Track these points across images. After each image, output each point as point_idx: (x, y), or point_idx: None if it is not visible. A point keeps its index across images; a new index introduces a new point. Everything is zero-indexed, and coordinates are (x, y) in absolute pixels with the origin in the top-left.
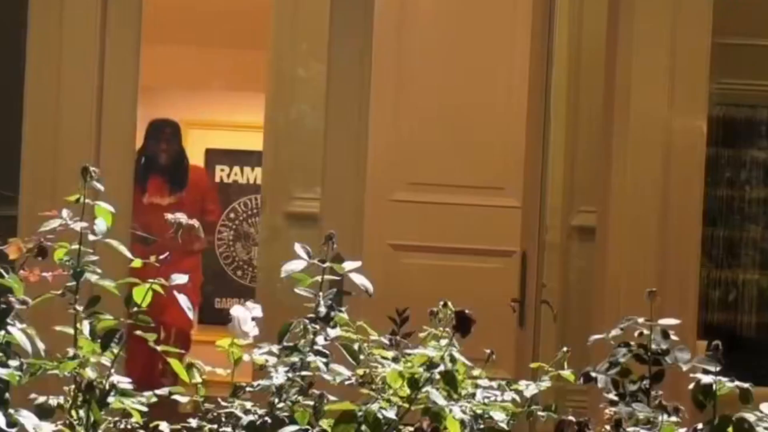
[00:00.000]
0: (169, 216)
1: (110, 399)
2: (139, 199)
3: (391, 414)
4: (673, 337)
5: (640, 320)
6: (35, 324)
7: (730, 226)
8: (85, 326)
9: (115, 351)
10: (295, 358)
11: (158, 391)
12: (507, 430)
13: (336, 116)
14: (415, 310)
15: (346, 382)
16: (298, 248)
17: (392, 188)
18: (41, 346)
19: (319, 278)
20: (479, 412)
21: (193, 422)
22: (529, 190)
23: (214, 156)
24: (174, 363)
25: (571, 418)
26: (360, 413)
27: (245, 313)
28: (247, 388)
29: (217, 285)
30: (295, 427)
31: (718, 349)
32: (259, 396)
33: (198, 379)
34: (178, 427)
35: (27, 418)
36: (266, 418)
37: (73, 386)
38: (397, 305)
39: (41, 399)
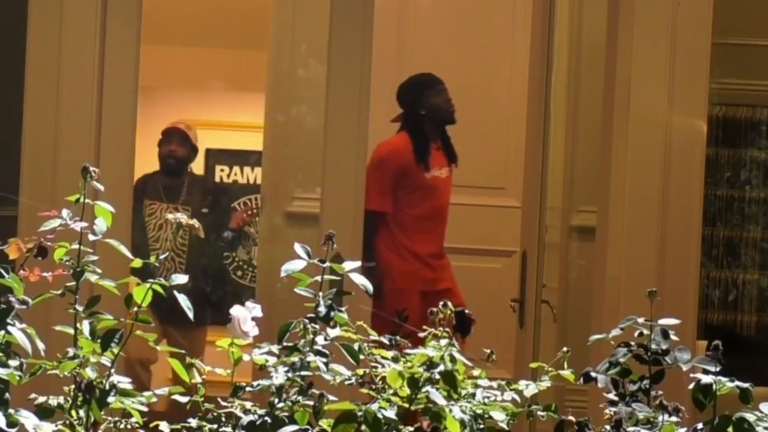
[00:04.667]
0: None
1: (110, 399)
2: (418, 173)
3: (391, 414)
4: (673, 337)
5: (640, 320)
6: (35, 324)
7: (730, 226)
8: (85, 326)
9: (115, 351)
10: (295, 358)
11: (158, 391)
12: (507, 430)
13: (336, 116)
14: None
15: (346, 382)
16: (298, 248)
17: None
18: (41, 346)
19: (319, 278)
20: (479, 412)
21: (193, 422)
22: (529, 190)
23: (214, 156)
24: (174, 363)
25: (571, 418)
26: (360, 413)
27: (245, 313)
28: (247, 388)
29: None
30: (295, 427)
31: (718, 349)
32: (259, 396)
33: (198, 379)
34: (178, 427)
35: (27, 418)
36: (266, 418)
37: (73, 386)
38: None
39: (41, 399)
